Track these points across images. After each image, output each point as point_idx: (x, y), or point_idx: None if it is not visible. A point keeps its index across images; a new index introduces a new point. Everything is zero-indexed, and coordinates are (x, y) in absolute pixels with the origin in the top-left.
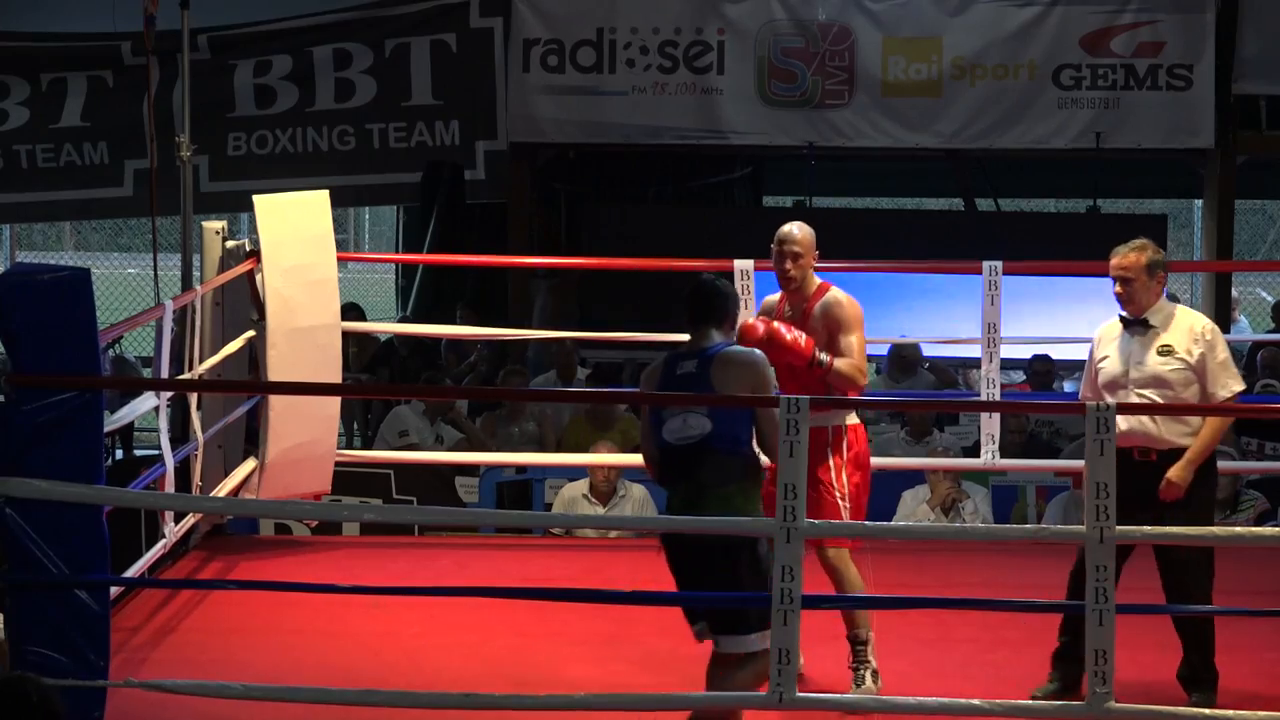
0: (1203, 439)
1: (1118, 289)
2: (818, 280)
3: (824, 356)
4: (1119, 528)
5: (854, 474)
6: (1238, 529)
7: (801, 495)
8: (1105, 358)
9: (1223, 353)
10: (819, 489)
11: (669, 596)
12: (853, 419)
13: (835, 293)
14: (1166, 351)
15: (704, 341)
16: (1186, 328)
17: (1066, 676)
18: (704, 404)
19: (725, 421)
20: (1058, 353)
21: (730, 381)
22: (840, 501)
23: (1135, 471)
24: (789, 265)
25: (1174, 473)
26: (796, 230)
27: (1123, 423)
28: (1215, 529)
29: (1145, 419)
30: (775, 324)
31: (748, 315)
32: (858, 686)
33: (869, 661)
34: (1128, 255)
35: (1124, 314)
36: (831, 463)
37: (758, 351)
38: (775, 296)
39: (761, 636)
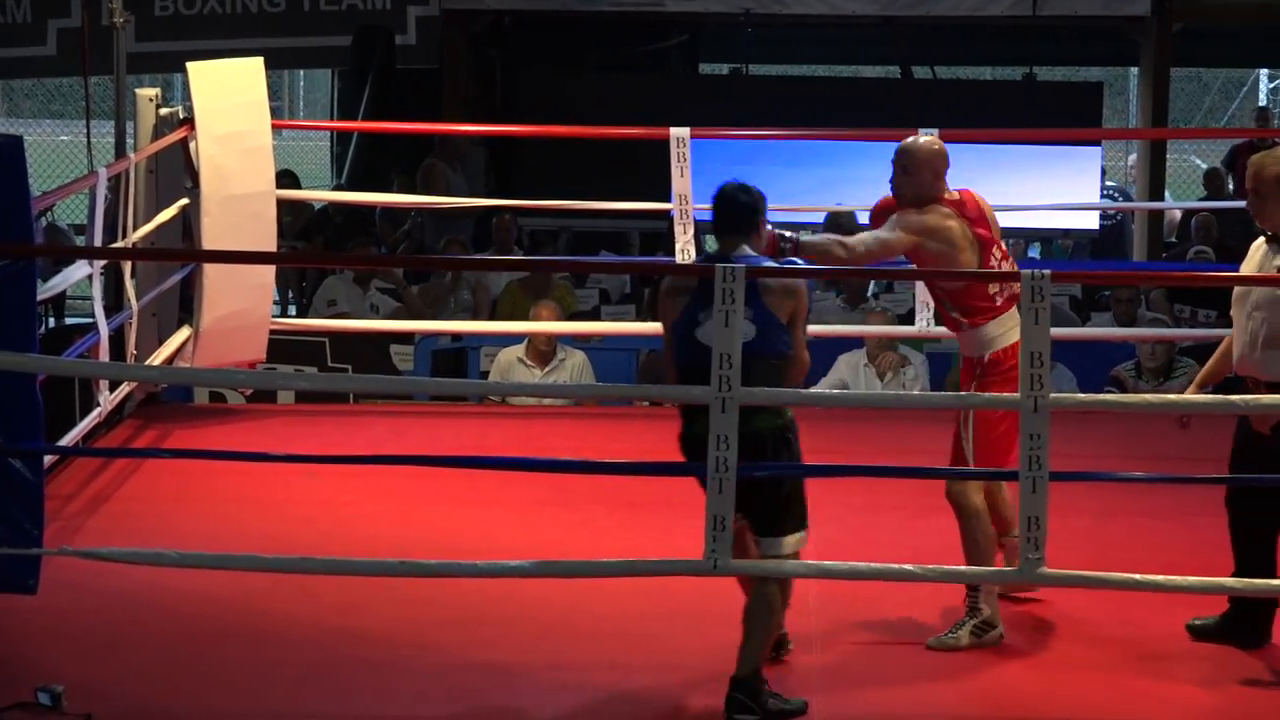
0: None
1: (1248, 202)
2: (946, 195)
3: (790, 235)
4: (1053, 395)
5: (993, 416)
6: (1170, 396)
7: (737, 364)
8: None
9: None
10: (955, 431)
11: (598, 465)
12: (1003, 341)
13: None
14: None
15: (736, 252)
16: None
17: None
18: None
19: (769, 326)
20: None
21: (774, 303)
22: (964, 444)
23: None
24: (894, 173)
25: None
26: (912, 141)
27: (1235, 347)
28: (1149, 397)
29: (1246, 345)
30: None
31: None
32: (950, 634)
33: (979, 611)
34: (1254, 165)
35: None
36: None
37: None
38: None
39: (800, 539)
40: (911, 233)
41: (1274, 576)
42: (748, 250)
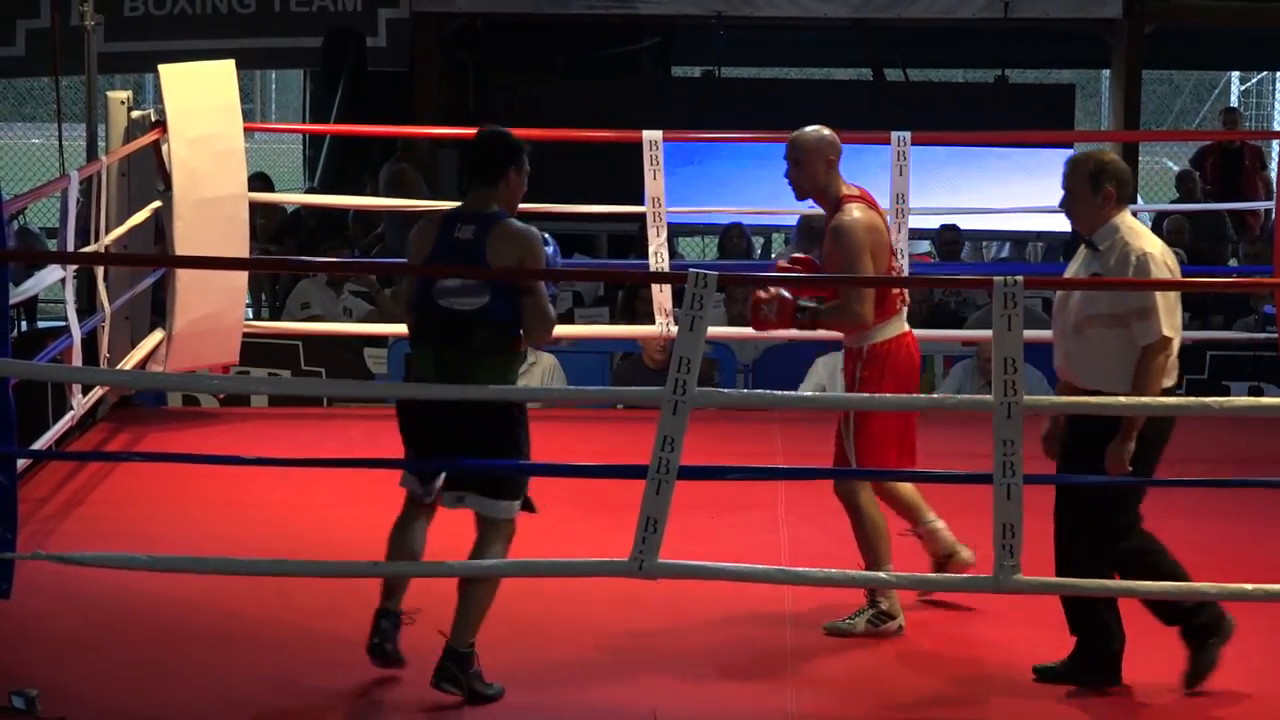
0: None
1: (1061, 201)
2: (844, 189)
3: (808, 305)
4: (1027, 399)
5: (873, 413)
6: (1143, 399)
7: (695, 368)
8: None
9: (1154, 292)
10: (836, 429)
11: (570, 469)
12: (884, 334)
13: (843, 214)
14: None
15: (480, 205)
16: (1124, 257)
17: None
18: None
19: (502, 295)
20: (965, 223)
21: (504, 254)
22: (845, 442)
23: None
24: (787, 168)
25: (1114, 444)
26: (800, 132)
27: (1055, 356)
28: (1122, 399)
29: (1064, 356)
30: (760, 295)
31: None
32: (847, 620)
33: (878, 602)
34: (1069, 163)
35: None
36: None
37: (534, 230)
38: None
39: (513, 507)
40: (865, 244)
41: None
42: (493, 202)
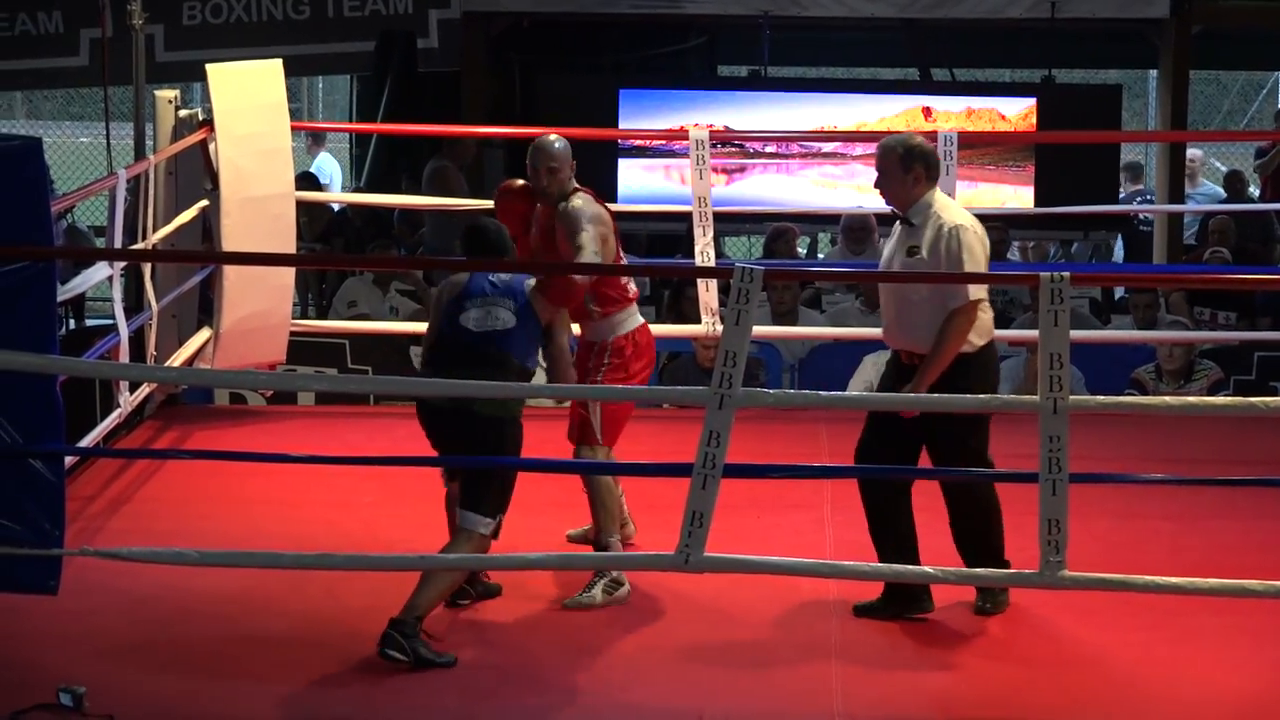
0: (936, 349)
1: (876, 182)
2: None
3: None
4: (1073, 398)
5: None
6: (1191, 399)
7: (741, 363)
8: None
9: (964, 256)
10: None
11: (615, 466)
12: (626, 328)
13: (568, 201)
14: (913, 253)
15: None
16: (936, 228)
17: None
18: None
19: (526, 325)
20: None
21: (540, 304)
22: (590, 416)
23: (904, 375)
24: (541, 177)
25: (908, 388)
26: (549, 141)
27: (884, 322)
28: (1170, 399)
29: (892, 322)
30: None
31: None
32: (584, 594)
33: (606, 571)
34: (880, 146)
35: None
36: (589, 380)
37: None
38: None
39: (488, 524)
40: (598, 227)
41: (914, 548)
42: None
